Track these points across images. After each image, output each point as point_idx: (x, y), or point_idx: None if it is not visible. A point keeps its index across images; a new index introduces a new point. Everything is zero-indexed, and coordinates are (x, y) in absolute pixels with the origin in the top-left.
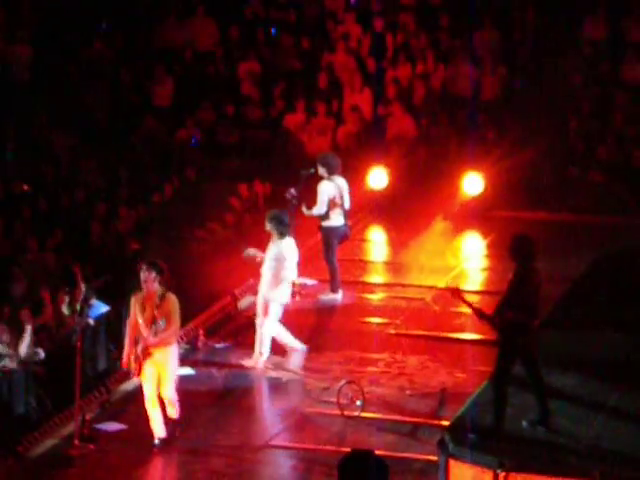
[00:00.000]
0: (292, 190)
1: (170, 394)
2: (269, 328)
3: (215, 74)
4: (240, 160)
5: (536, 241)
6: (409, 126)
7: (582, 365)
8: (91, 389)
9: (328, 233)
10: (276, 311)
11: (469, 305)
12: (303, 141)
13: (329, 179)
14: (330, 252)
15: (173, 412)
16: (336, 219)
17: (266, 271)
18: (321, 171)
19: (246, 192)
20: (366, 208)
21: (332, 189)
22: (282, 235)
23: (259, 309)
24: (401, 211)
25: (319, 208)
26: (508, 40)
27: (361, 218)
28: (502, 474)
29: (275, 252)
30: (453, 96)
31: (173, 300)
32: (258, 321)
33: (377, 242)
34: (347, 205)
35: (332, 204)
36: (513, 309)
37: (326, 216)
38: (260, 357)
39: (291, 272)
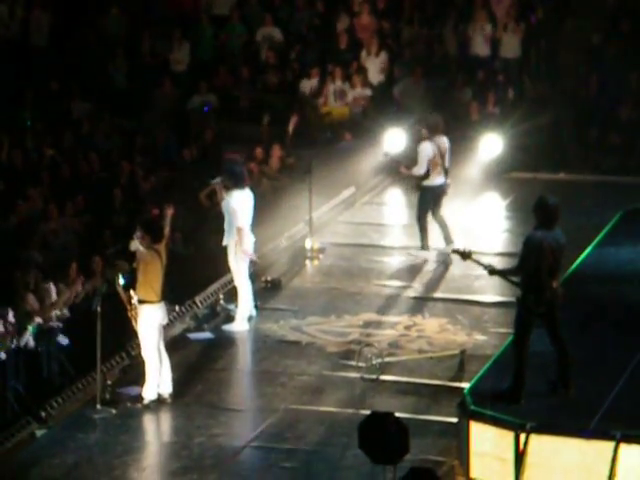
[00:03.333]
0: (387, 152)
1: (143, 352)
2: (240, 283)
3: (231, 39)
4: (256, 124)
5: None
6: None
7: (604, 324)
8: (112, 354)
9: (426, 192)
10: (239, 265)
11: (481, 264)
12: (319, 105)
13: (430, 139)
14: (423, 212)
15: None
16: (436, 178)
17: (225, 225)
18: (423, 132)
19: (262, 156)
20: (383, 171)
21: (431, 149)
22: (233, 187)
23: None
24: None
25: (419, 168)
26: None
27: (379, 182)
28: (523, 435)
29: (225, 204)
30: (471, 56)
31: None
32: (235, 282)
33: (395, 205)
34: (447, 163)
35: (433, 164)
36: (523, 271)
37: (426, 175)
38: (242, 318)
39: (244, 222)
